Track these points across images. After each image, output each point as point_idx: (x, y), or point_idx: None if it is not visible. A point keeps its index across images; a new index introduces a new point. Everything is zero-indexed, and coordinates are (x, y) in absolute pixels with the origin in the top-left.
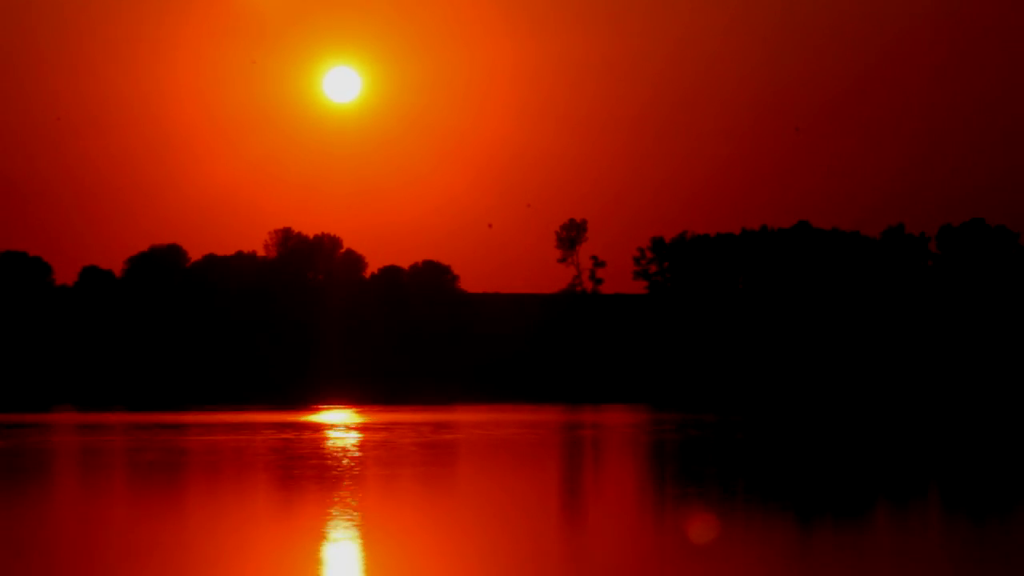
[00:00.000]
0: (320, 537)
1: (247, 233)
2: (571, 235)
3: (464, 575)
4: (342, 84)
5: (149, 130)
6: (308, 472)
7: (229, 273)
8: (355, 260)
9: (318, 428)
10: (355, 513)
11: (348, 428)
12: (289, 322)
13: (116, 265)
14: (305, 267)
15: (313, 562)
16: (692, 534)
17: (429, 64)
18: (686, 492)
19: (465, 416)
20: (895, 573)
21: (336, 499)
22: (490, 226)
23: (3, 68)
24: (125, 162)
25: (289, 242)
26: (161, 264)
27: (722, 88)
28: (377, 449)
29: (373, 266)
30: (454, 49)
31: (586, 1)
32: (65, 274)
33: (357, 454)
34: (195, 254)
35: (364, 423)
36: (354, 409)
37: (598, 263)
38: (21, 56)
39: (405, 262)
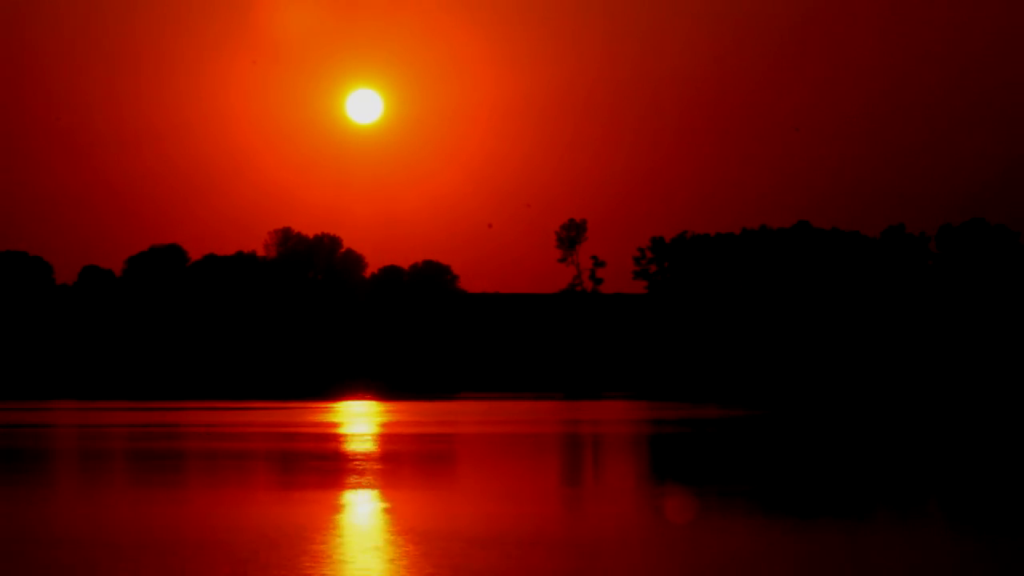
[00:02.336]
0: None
1: (247, 233)
2: (571, 235)
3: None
4: (364, 105)
5: (171, 144)
6: (313, 460)
7: (229, 273)
8: (355, 260)
9: (320, 422)
10: (366, 498)
11: (350, 424)
12: (289, 322)
13: (116, 265)
14: (305, 267)
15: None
16: (671, 513)
17: (442, 80)
18: (678, 480)
19: (467, 409)
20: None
21: (345, 485)
22: (490, 226)
23: (4, 70)
24: (136, 169)
25: (289, 242)
26: (161, 264)
27: (722, 88)
28: (387, 443)
29: (373, 266)
30: (464, 64)
31: (588, 16)
32: (66, 274)
33: (365, 449)
34: (195, 254)
35: (368, 419)
36: (356, 405)
37: (598, 263)
38: (20, 58)
39: (405, 262)
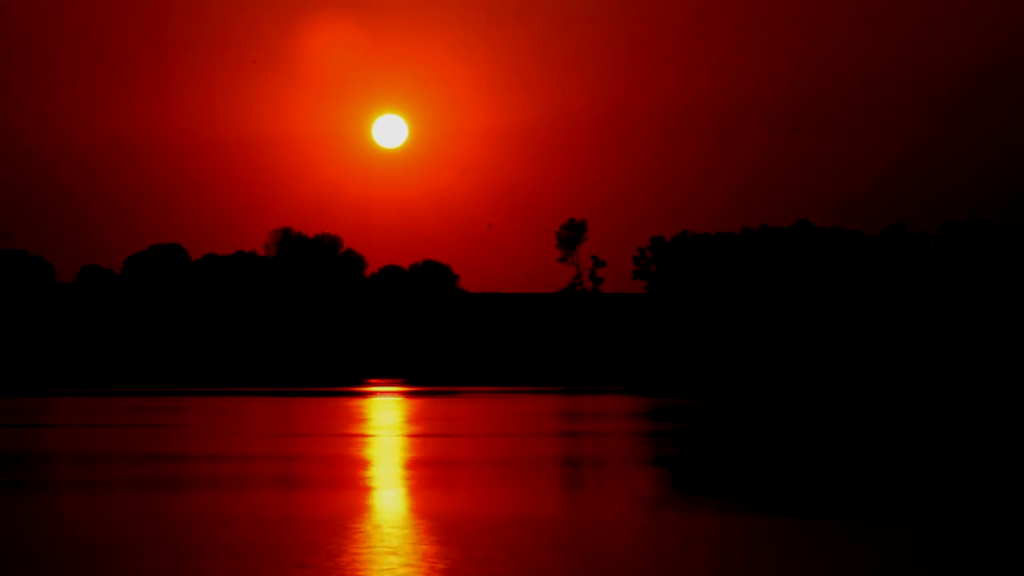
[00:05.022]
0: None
1: (247, 233)
2: (571, 235)
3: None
4: (391, 130)
5: (187, 151)
6: (316, 459)
7: (229, 272)
8: (355, 260)
9: (322, 421)
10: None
11: (352, 423)
12: (289, 322)
13: (116, 264)
14: (305, 267)
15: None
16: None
17: (456, 97)
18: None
19: (468, 404)
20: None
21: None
22: (490, 226)
23: (6, 70)
24: (141, 173)
25: (289, 242)
26: (161, 263)
27: (722, 88)
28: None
29: (373, 266)
30: (474, 80)
31: (593, 25)
32: (66, 273)
33: (367, 449)
34: (195, 253)
35: (370, 418)
36: (356, 405)
37: (598, 263)
38: (22, 58)
39: (405, 262)
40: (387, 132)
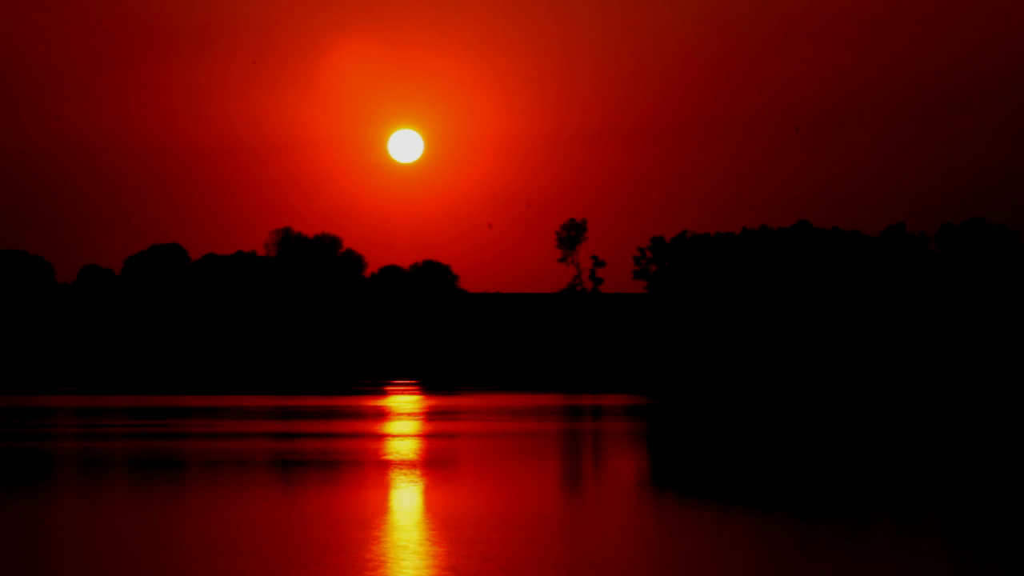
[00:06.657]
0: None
1: (247, 233)
2: (571, 235)
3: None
4: (406, 144)
5: (200, 168)
6: (320, 458)
7: (229, 272)
8: (355, 260)
9: (324, 421)
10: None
11: (354, 423)
12: (289, 321)
13: (116, 264)
14: (305, 267)
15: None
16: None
17: (463, 106)
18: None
19: (469, 402)
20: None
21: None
22: (490, 226)
23: (6, 69)
24: (146, 174)
25: (289, 242)
26: (161, 263)
27: (722, 88)
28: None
29: (373, 266)
30: (479, 90)
31: (594, 25)
32: (66, 273)
33: (371, 448)
34: (195, 253)
35: (371, 417)
36: (357, 405)
37: (598, 263)
38: (24, 57)
39: (405, 262)
40: (402, 146)
